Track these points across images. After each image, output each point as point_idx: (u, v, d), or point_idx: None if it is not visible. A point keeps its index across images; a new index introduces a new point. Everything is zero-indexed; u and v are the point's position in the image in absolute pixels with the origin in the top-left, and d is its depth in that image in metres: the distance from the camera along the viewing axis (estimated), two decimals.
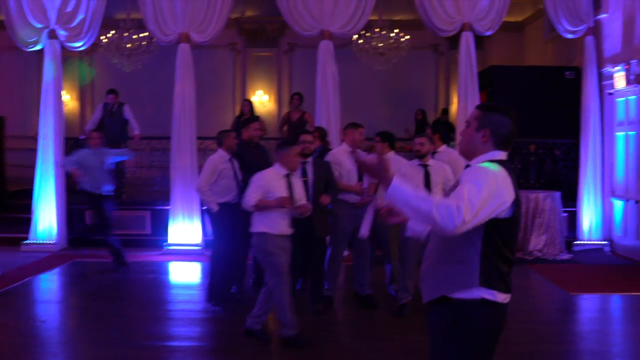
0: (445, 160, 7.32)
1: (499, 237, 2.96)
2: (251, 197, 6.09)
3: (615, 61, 10.73)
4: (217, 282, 7.49)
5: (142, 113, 13.24)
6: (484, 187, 2.85)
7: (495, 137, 3.08)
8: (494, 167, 2.97)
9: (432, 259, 3.07)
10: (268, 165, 7.96)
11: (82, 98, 16.72)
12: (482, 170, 2.96)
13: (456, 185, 3.02)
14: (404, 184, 2.85)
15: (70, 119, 15.51)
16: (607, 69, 10.92)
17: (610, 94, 10.93)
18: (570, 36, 11.09)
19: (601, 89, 11.08)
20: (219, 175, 7.43)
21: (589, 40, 10.97)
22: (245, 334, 6.22)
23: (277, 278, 6.03)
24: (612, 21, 10.99)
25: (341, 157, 7.50)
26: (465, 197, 2.80)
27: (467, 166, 3.17)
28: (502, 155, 3.10)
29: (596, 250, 10.84)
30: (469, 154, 3.16)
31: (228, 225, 7.50)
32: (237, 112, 13.41)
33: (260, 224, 6.11)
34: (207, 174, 7.44)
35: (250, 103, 12.62)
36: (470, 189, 2.84)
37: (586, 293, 8.30)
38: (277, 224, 6.13)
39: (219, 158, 7.51)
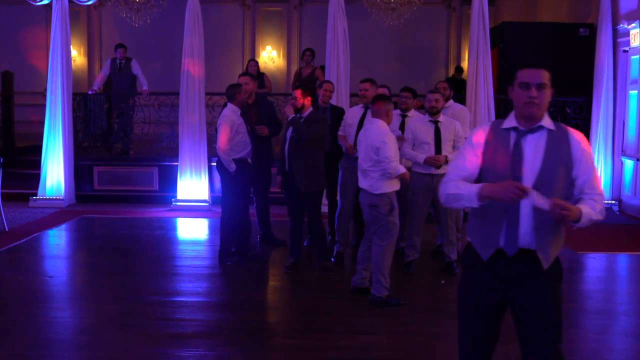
0: (449, 114, 7.29)
1: None
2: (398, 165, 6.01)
3: (631, 18, 10.51)
4: (228, 241, 7.51)
5: (150, 68, 13.18)
6: None
7: None
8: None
9: (549, 231, 3.49)
10: (266, 122, 7.86)
11: (90, 53, 16.65)
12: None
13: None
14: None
15: (78, 75, 15.49)
16: (623, 25, 10.71)
17: (625, 51, 10.74)
18: None
19: (615, 47, 10.88)
20: (235, 131, 7.25)
21: None
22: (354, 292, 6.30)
23: (392, 239, 6.07)
24: None
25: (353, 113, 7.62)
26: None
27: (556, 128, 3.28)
28: None
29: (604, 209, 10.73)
30: (542, 116, 3.23)
31: (244, 182, 7.47)
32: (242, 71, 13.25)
33: (390, 184, 6.04)
34: (227, 132, 7.13)
35: (256, 64, 12.42)
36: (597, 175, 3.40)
37: (593, 252, 8.28)
38: (397, 183, 6.14)
39: (233, 113, 7.28)
